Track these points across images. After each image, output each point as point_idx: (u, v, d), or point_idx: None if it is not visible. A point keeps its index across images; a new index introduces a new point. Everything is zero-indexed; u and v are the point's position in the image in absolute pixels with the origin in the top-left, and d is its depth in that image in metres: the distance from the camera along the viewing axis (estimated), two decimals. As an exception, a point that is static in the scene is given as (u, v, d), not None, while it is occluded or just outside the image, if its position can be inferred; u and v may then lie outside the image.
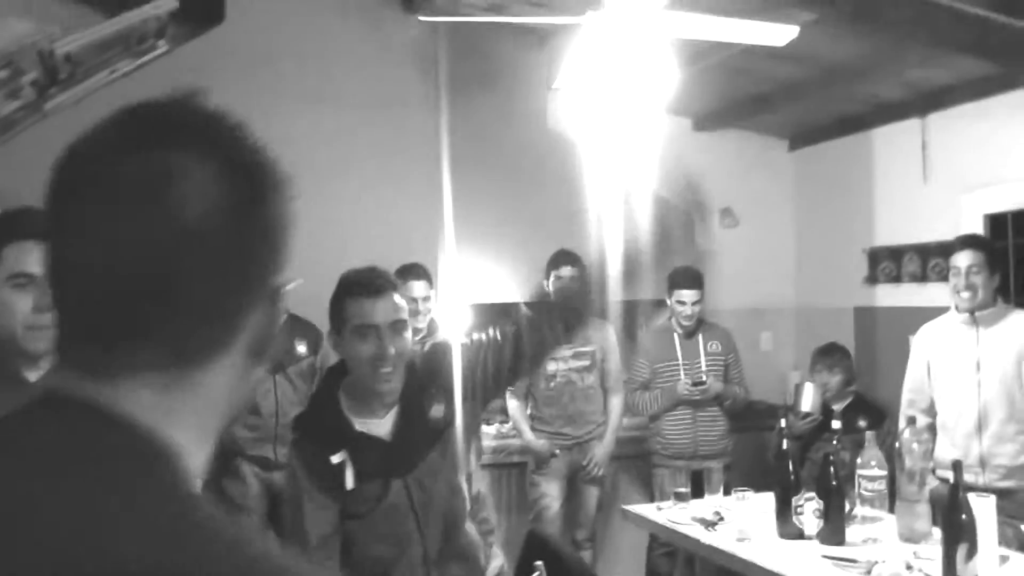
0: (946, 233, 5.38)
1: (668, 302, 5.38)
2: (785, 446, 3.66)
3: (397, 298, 2.49)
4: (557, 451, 5.09)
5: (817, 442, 4.92)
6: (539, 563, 2.93)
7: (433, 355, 2.78)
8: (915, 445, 3.48)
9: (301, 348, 4.54)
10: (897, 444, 3.56)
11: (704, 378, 5.23)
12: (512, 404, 5.16)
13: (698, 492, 4.81)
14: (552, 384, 5.11)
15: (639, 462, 5.76)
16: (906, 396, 4.43)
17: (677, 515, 3.93)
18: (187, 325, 0.81)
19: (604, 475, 5.27)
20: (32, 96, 4.21)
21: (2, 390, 2.06)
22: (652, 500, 5.49)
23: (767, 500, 3.74)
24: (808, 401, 5.06)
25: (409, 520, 2.50)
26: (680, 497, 4.09)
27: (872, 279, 6.06)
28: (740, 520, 3.60)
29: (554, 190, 5.70)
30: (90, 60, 4.28)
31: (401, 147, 5.20)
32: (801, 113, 6.17)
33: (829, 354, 5.35)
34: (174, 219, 0.78)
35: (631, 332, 5.92)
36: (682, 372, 5.28)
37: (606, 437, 5.21)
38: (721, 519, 3.78)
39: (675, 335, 5.36)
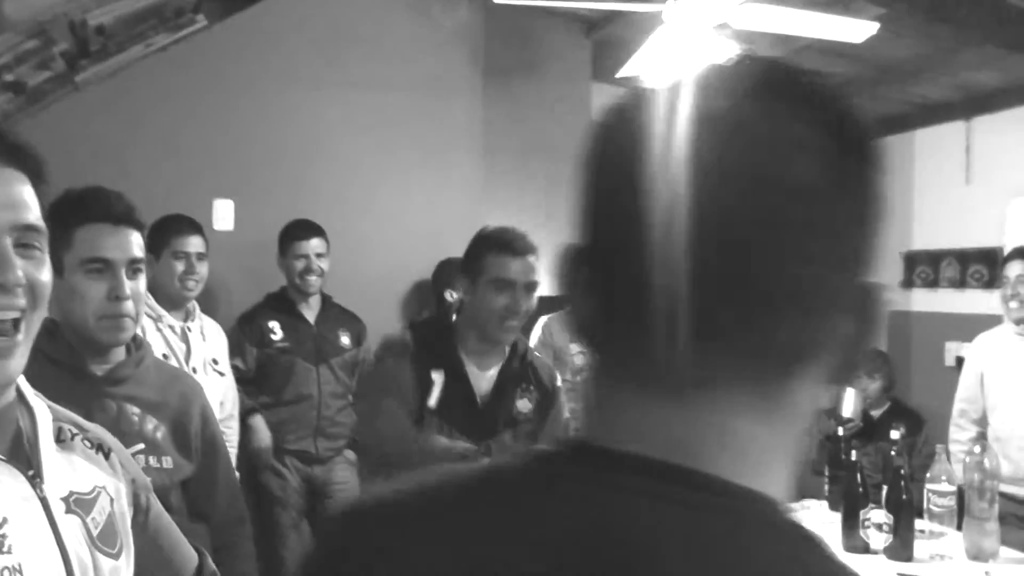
0: (988, 239, 5.30)
1: None
2: (854, 456, 3.55)
3: (533, 260, 2.68)
4: None
5: (852, 449, 4.81)
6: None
7: (544, 362, 3.00)
8: (986, 461, 3.38)
9: (345, 339, 4.40)
10: (965, 457, 3.46)
11: None
12: None
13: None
14: (579, 378, 4.98)
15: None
16: (958, 406, 4.33)
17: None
18: (778, 324, 0.65)
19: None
20: (62, 68, 4.08)
21: (67, 384, 1.92)
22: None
23: (824, 510, 3.63)
24: (849, 406, 4.95)
25: None
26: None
27: (908, 283, 5.97)
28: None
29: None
30: (123, 33, 4.15)
31: (445, 132, 5.05)
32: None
33: (869, 360, 5.24)
34: (791, 193, 0.64)
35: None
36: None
37: None
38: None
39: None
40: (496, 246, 2.68)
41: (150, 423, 2.06)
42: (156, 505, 1.54)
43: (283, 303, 4.32)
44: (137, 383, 2.08)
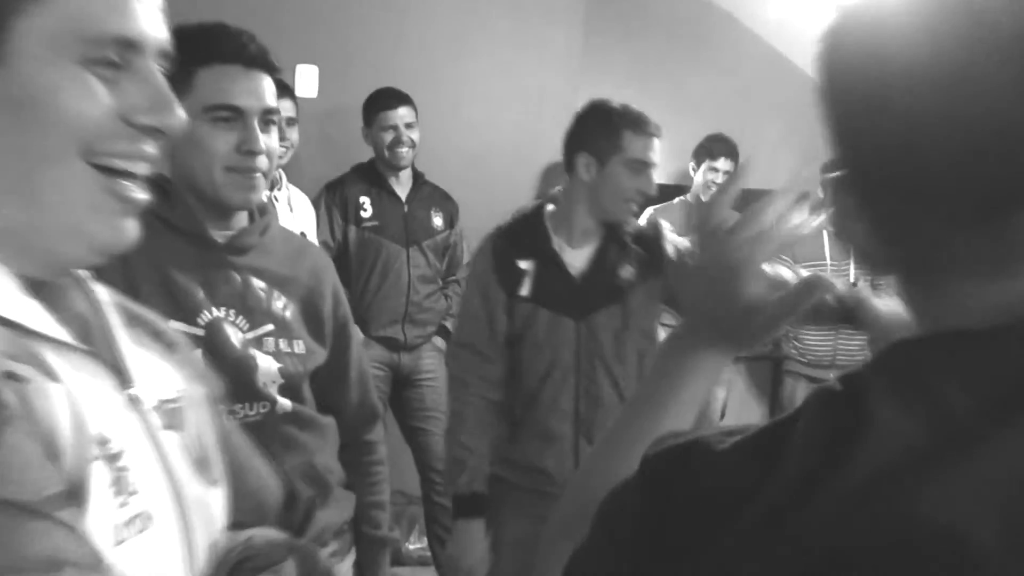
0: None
1: (693, 174, 4.93)
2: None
3: (658, 144, 2.57)
4: None
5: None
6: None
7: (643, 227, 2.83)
8: None
9: (437, 220, 4.10)
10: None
11: (855, 282, 4.81)
12: None
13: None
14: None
15: (760, 366, 5.43)
16: None
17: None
18: None
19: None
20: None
21: (186, 252, 1.67)
22: (776, 410, 5.19)
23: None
24: None
25: (569, 355, 2.56)
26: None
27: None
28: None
29: (705, 69, 5.23)
30: None
31: (542, 6, 4.68)
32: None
33: None
34: None
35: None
36: (830, 274, 4.86)
37: None
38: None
39: (825, 233, 4.92)
40: (634, 124, 2.53)
41: (279, 300, 1.77)
42: (228, 420, 1.25)
43: (374, 176, 4.01)
44: (263, 253, 1.78)
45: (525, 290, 2.56)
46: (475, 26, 4.53)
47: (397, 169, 3.98)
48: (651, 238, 2.68)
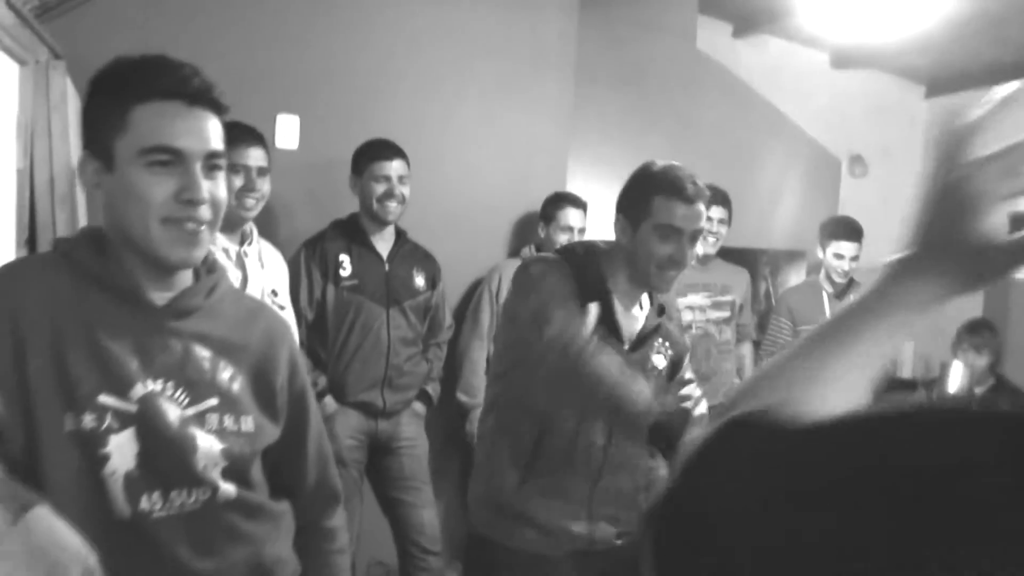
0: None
1: (821, 255, 4.77)
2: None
3: (703, 207, 2.44)
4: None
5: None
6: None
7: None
8: None
9: (419, 280, 3.90)
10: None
11: None
12: None
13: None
14: (686, 337, 4.51)
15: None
16: None
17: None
18: None
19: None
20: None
21: (119, 315, 1.47)
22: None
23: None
24: (956, 382, 4.46)
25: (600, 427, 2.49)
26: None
27: (1016, 246, 5.45)
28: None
29: (697, 120, 5.10)
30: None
31: (534, 54, 4.54)
32: (945, 57, 5.51)
33: (977, 332, 4.76)
34: None
35: (753, 284, 5.35)
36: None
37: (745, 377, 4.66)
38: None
39: (824, 294, 4.77)
40: (666, 189, 2.42)
41: (225, 371, 1.57)
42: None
43: (354, 232, 3.80)
44: (209, 317, 1.58)
45: (589, 328, 2.39)
46: (463, 76, 4.39)
47: (383, 224, 3.78)
48: (678, 344, 2.67)
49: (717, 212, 4.48)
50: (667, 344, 2.61)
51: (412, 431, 3.86)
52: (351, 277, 3.72)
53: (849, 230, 4.66)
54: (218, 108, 1.52)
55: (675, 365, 2.65)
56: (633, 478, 2.57)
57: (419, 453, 3.85)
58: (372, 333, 3.74)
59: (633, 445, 2.52)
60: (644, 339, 2.54)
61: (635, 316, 2.57)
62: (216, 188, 1.51)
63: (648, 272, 2.45)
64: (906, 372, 5.62)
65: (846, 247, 4.65)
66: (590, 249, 2.56)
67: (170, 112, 1.46)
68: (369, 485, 3.88)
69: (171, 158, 1.45)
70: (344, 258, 3.72)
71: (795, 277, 5.47)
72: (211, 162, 1.50)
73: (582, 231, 4.29)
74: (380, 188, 3.72)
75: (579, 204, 4.28)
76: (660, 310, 2.61)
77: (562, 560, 2.50)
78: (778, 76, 5.45)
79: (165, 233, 1.46)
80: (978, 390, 4.56)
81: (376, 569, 4.30)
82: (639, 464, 2.59)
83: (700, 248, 4.49)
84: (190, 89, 1.47)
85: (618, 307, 2.49)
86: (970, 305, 5.37)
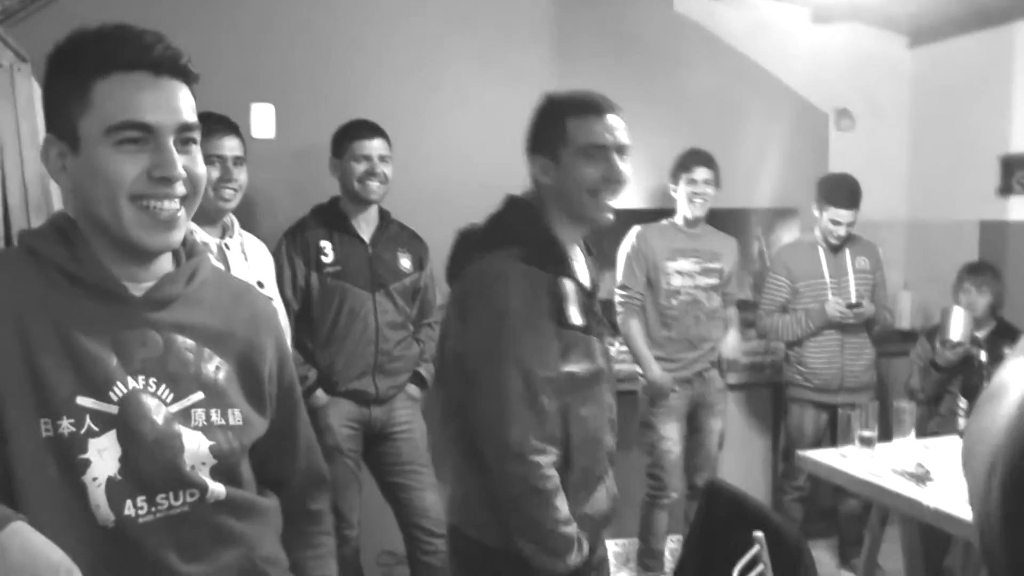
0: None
1: (816, 214, 4.72)
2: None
3: (620, 119, 2.27)
4: (676, 387, 4.43)
5: (959, 376, 4.32)
6: (759, 534, 2.36)
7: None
8: None
9: (405, 262, 3.83)
10: None
11: (857, 299, 4.62)
12: (632, 323, 4.43)
13: (835, 432, 4.30)
14: (675, 302, 4.46)
15: (759, 393, 5.19)
16: None
17: (873, 466, 3.34)
18: None
19: (724, 409, 4.67)
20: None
21: (93, 308, 1.39)
22: (780, 438, 4.99)
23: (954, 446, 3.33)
24: (959, 329, 4.38)
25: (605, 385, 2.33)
26: (866, 442, 3.49)
27: (1005, 189, 5.38)
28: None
29: (681, 84, 5.03)
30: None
31: (512, 32, 4.47)
32: (926, 5, 5.44)
33: (979, 272, 4.71)
34: None
35: (744, 245, 5.30)
36: (829, 292, 4.65)
37: (732, 331, 4.62)
38: (928, 472, 3.20)
39: (820, 250, 4.72)
40: (578, 108, 2.25)
41: (210, 362, 1.48)
42: None
43: (335, 217, 3.73)
44: (190, 305, 1.49)
45: (576, 316, 2.22)
46: (439, 57, 4.33)
47: (365, 204, 3.72)
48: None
49: (703, 173, 4.44)
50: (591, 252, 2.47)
51: (407, 415, 3.82)
52: (334, 263, 3.66)
53: (846, 197, 4.63)
54: (187, 76, 1.42)
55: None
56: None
57: (416, 436, 3.81)
58: (359, 319, 3.68)
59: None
60: (595, 282, 2.43)
61: (583, 261, 2.40)
62: (192, 163, 1.42)
63: (582, 203, 2.24)
64: (904, 323, 5.56)
65: (843, 214, 4.63)
66: (531, 215, 2.31)
67: (135, 84, 1.36)
68: (370, 474, 3.84)
69: (141, 134, 1.35)
70: (325, 244, 3.67)
71: (788, 235, 5.41)
72: (184, 135, 1.40)
73: None
74: (361, 168, 3.66)
75: None
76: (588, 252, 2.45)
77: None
78: (759, 34, 5.36)
79: (139, 216, 1.37)
80: (980, 333, 4.50)
81: (385, 559, 4.27)
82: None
83: (689, 211, 4.46)
84: (154, 57, 1.37)
85: (576, 263, 2.32)
86: (966, 250, 5.31)
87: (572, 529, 2.17)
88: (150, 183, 1.36)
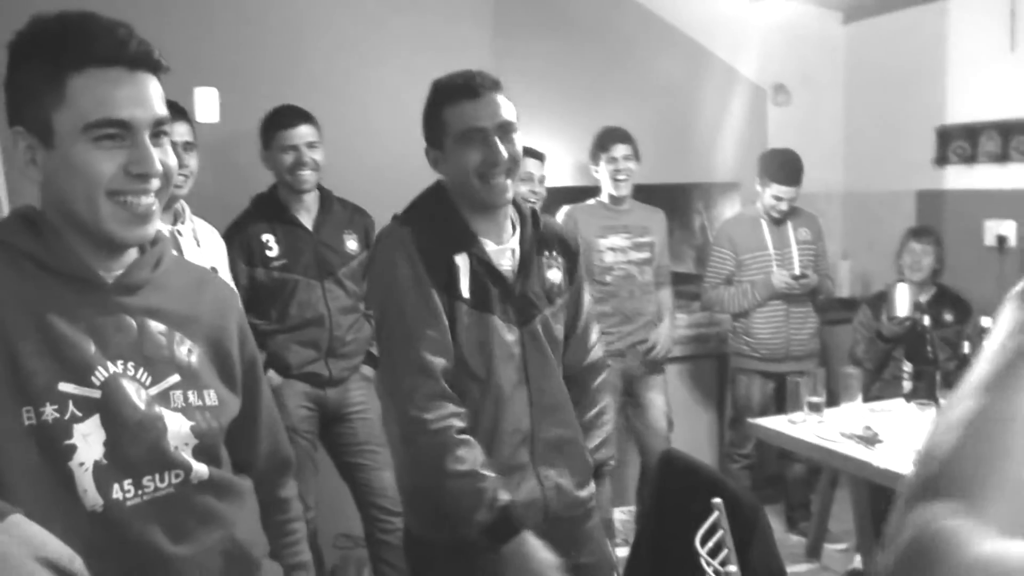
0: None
1: (759, 189, 4.80)
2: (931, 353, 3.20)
3: (502, 98, 2.22)
4: (610, 361, 4.47)
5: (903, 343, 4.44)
6: (718, 501, 2.41)
7: (558, 223, 2.58)
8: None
9: (351, 243, 3.79)
10: None
11: (800, 270, 4.71)
12: None
13: (782, 400, 4.39)
14: (609, 278, 4.52)
15: (704, 365, 5.27)
16: None
17: (823, 430, 3.42)
18: None
19: (666, 380, 4.74)
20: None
21: (66, 297, 1.39)
22: (727, 408, 5.08)
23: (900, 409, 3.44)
24: (904, 305, 4.52)
25: (517, 369, 2.27)
26: (815, 408, 3.58)
27: (941, 160, 5.51)
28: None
29: (624, 65, 5.07)
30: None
31: (448, 6, 4.47)
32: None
33: (922, 234, 4.85)
34: None
35: (686, 219, 5.37)
36: (774, 264, 4.73)
37: (665, 321, 4.67)
38: (876, 435, 3.28)
39: (763, 222, 4.80)
40: (451, 95, 2.21)
41: (182, 344, 1.50)
42: None
43: (276, 208, 3.70)
44: (158, 290, 1.51)
45: (464, 289, 2.21)
46: (379, 34, 4.31)
47: (300, 193, 3.69)
48: (571, 247, 2.46)
49: (622, 150, 4.49)
50: (554, 252, 2.40)
51: (362, 395, 3.81)
52: (279, 257, 3.63)
53: (788, 174, 4.72)
54: (158, 69, 1.43)
55: (570, 266, 2.45)
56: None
57: (371, 417, 3.79)
58: (310, 308, 3.66)
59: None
60: (528, 264, 2.32)
61: (512, 247, 2.33)
62: (165, 155, 1.43)
63: (473, 188, 2.21)
64: (844, 291, 5.68)
65: (785, 191, 4.72)
66: (440, 197, 2.31)
67: (111, 80, 1.36)
68: (327, 455, 3.84)
69: (118, 131, 1.36)
70: (268, 238, 3.63)
71: (730, 209, 5.49)
72: (157, 129, 1.42)
73: (542, 180, 4.32)
74: (288, 158, 3.63)
75: (536, 155, 4.27)
76: (534, 218, 2.38)
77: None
78: (697, 11, 5.42)
79: (116, 211, 1.38)
80: (922, 298, 4.61)
81: (342, 541, 4.27)
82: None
83: (614, 189, 4.51)
84: (129, 53, 1.38)
85: (489, 246, 2.27)
86: (903, 219, 5.43)
87: (475, 483, 2.11)
88: (127, 179, 1.38)
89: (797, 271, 4.71)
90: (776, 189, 4.69)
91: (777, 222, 4.79)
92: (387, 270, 2.20)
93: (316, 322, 3.67)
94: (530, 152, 4.13)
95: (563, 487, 2.33)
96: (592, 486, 2.45)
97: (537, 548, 2.12)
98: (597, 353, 2.56)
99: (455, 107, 2.19)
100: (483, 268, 2.24)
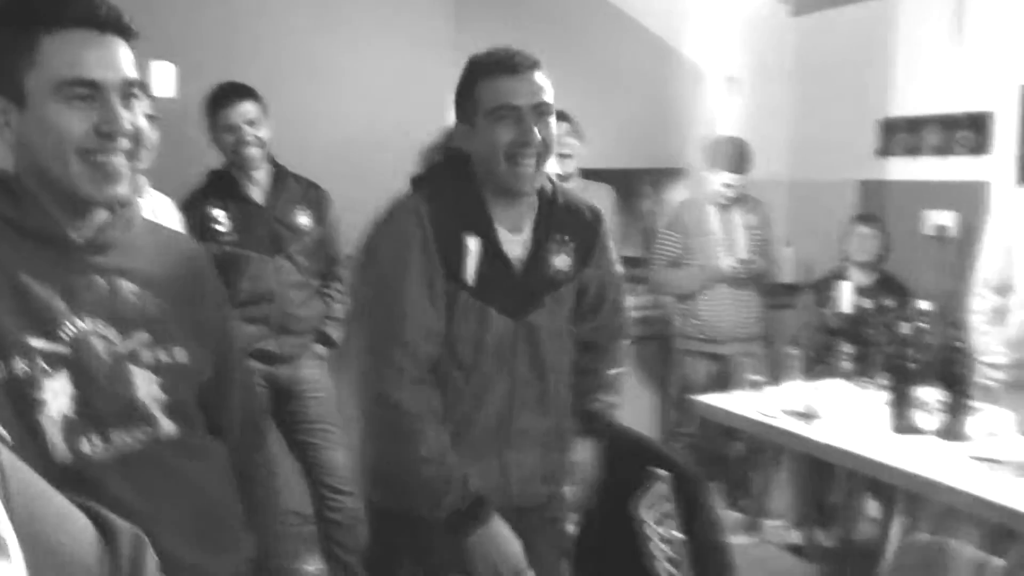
0: (977, 103, 5.02)
1: (708, 176, 4.91)
2: (905, 329, 3.27)
3: (541, 78, 2.14)
4: None
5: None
6: (661, 472, 2.48)
7: (580, 197, 2.43)
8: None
9: (303, 219, 3.76)
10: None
11: (748, 256, 4.82)
12: None
13: (725, 380, 4.50)
14: None
15: (647, 347, 5.36)
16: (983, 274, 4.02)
17: (764, 408, 3.52)
18: None
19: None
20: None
21: (40, 256, 1.43)
22: (669, 388, 5.18)
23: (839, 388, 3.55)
24: (847, 300, 4.66)
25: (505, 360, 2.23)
26: (757, 386, 3.68)
27: (885, 151, 5.65)
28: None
29: (574, 49, 5.14)
30: None
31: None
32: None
33: (869, 219, 5.00)
34: None
35: (634, 203, 5.46)
36: (721, 248, 4.83)
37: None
38: (815, 411, 3.39)
39: (711, 208, 4.90)
40: (489, 69, 2.13)
41: (152, 303, 1.53)
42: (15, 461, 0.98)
43: (228, 183, 3.68)
44: (129, 250, 1.54)
45: (470, 273, 2.15)
46: (340, 10, 4.32)
47: (248, 170, 3.66)
48: (587, 223, 2.37)
49: (562, 128, 4.53)
50: (566, 236, 2.30)
51: (314, 373, 3.81)
52: (230, 232, 3.62)
53: (736, 163, 4.83)
54: (128, 33, 1.46)
55: (587, 245, 2.35)
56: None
57: (324, 395, 3.80)
58: (261, 283, 3.65)
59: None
60: (537, 253, 2.25)
61: (526, 237, 2.26)
62: (135, 118, 1.46)
63: (499, 170, 2.12)
64: (788, 277, 5.80)
65: (732, 178, 4.83)
66: (460, 169, 2.23)
67: (82, 41, 1.40)
68: (279, 434, 3.79)
69: (88, 91, 1.40)
70: (219, 213, 3.62)
71: (678, 194, 5.60)
72: (128, 91, 1.45)
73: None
74: (230, 138, 3.60)
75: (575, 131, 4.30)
76: (546, 202, 2.28)
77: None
78: (653, 2, 5.51)
79: (87, 170, 1.41)
80: (866, 282, 4.74)
81: (292, 518, 4.28)
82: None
83: (560, 167, 4.52)
84: (100, 16, 1.42)
85: (502, 232, 2.21)
86: (846, 208, 5.55)
87: (445, 470, 2.12)
88: (97, 139, 1.41)
89: (744, 256, 4.81)
90: (724, 176, 4.79)
91: (725, 208, 4.89)
92: (396, 241, 2.15)
93: (266, 298, 3.66)
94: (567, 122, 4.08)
95: (529, 477, 2.31)
96: (564, 485, 2.43)
97: (503, 535, 2.14)
98: (622, 324, 2.53)
99: (491, 81, 2.11)
100: (493, 255, 2.18)
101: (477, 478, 2.17)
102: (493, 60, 2.14)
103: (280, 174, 3.78)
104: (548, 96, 2.14)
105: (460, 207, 2.18)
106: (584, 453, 2.47)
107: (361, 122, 4.39)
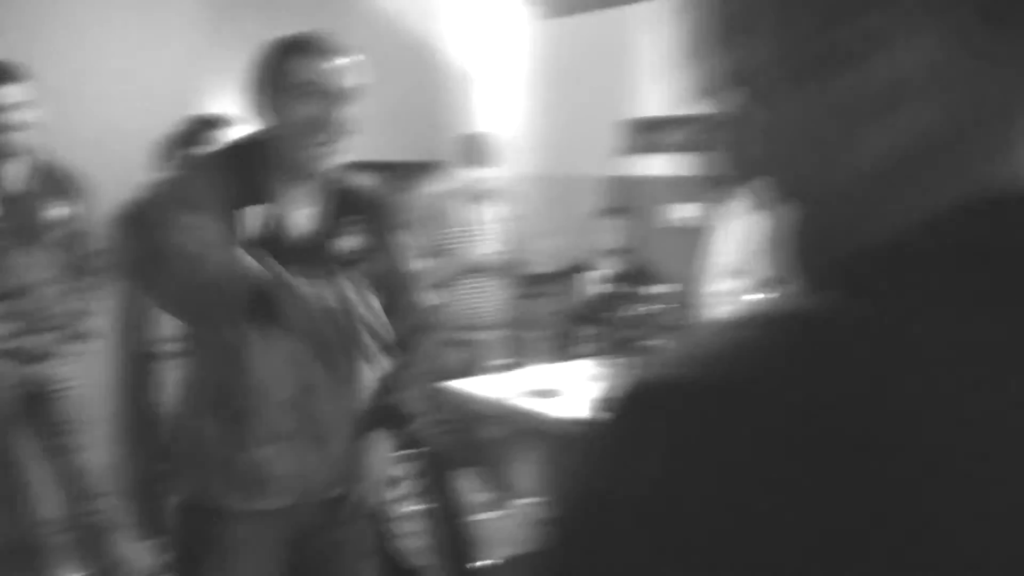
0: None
1: (458, 171, 5.09)
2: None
3: (349, 63, 2.15)
4: None
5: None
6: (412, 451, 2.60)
7: (370, 186, 2.42)
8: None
9: (56, 210, 3.60)
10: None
11: (498, 247, 5.01)
12: None
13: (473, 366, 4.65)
14: None
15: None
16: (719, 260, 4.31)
17: (506, 390, 3.69)
18: None
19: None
20: None
21: None
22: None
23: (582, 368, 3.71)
24: (591, 288, 4.94)
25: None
26: (500, 369, 3.86)
27: (629, 149, 5.98)
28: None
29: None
30: None
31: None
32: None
33: (614, 212, 5.35)
34: None
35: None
36: (468, 240, 5.00)
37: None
38: (555, 390, 3.59)
39: (462, 200, 5.06)
40: (293, 49, 2.12)
41: None
42: None
43: None
44: None
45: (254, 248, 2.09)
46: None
47: (9, 156, 3.50)
48: (379, 209, 2.38)
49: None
50: (356, 217, 2.29)
51: (67, 372, 3.69)
52: None
53: (484, 157, 5.02)
54: None
55: (377, 230, 2.34)
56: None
57: (77, 395, 3.70)
58: (12, 278, 3.51)
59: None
60: (323, 230, 2.24)
61: (310, 212, 2.24)
62: None
63: (294, 148, 2.12)
64: (538, 268, 6.01)
65: (481, 172, 5.01)
66: (252, 147, 2.21)
67: None
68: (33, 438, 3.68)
69: None
70: None
71: (432, 187, 5.74)
72: None
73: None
74: None
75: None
76: (334, 187, 2.26)
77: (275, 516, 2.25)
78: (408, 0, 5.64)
79: None
80: (611, 270, 5.02)
81: (44, 527, 4.12)
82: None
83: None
84: None
85: (288, 205, 2.19)
86: (593, 202, 5.82)
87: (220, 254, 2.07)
88: None
89: (494, 248, 4.98)
90: (473, 171, 4.96)
91: (476, 200, 5.06)
92: (181, 205, 2.10)
93: (15, 292, 3.53)
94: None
95: (316, 464, 2.26)
96: (360, 480, 2.37)
97: (302, 283, 2.07)
98: (421, 315, 2.51)
99: (298, 59, 2.11)
100: (275, 228, 2.15)
101: (270, 465, 2.17)
102: (299, 41, 2.15)
103: (35, 162, 3.61)
104: (353, 81, 2.14)
105: (243, 179, 2.16)
106: (378, 448, 2.40)
107: (121, 105, 4.28)
